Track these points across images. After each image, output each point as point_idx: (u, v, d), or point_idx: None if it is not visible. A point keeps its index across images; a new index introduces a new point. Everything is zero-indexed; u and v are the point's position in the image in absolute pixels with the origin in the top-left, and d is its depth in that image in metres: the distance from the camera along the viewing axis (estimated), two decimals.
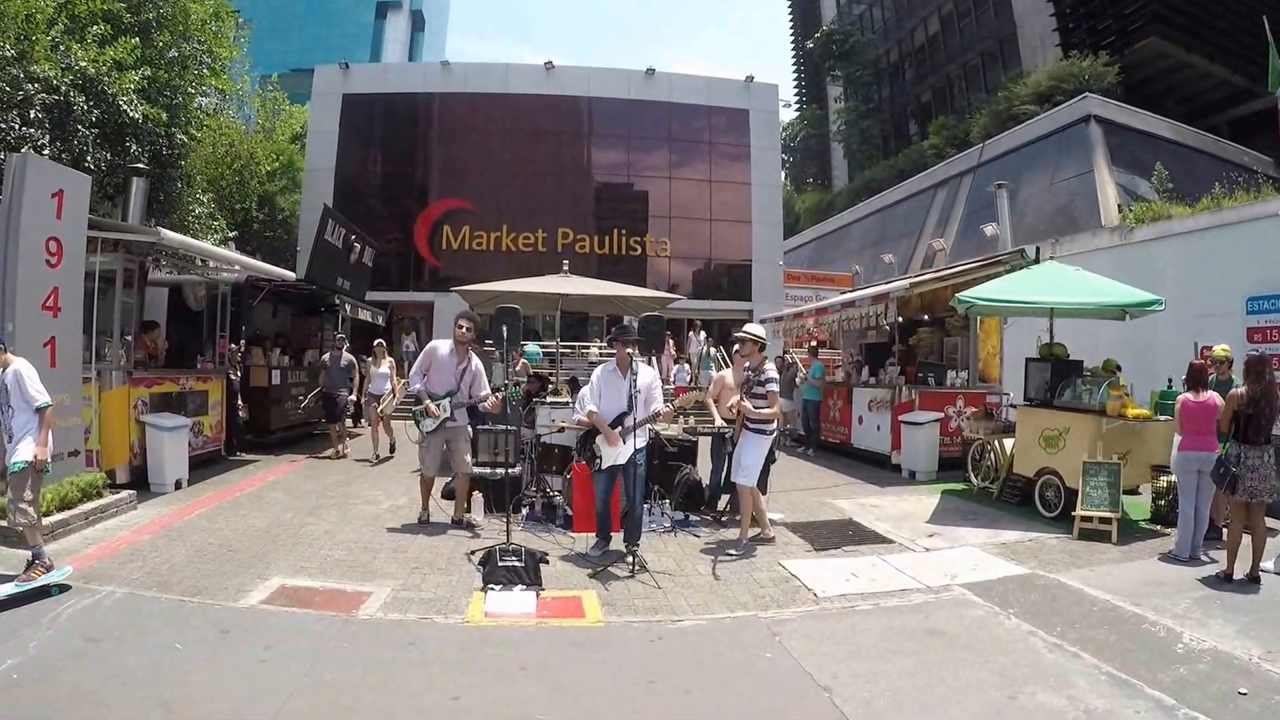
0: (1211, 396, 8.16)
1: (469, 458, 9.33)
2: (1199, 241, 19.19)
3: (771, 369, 8.79)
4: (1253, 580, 7.30)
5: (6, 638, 5.40)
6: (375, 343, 15.73)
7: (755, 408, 8.47)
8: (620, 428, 7.91)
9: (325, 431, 16.75)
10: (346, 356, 15.11)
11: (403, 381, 15.09)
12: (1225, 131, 35.97)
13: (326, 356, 15.52)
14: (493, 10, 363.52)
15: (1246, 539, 7.51)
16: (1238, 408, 7.57)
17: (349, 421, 16.36)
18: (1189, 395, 8.30)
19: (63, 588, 6.34)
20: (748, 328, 8.93)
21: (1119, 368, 11.39)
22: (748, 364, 8.90)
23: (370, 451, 14.76)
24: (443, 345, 9.20)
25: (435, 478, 9.44)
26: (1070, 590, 7.17)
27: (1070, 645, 5.75)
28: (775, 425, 8.83)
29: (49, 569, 6.35)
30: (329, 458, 14.72)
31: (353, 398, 15.30)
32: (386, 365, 15.15)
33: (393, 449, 14.93)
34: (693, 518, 9.72)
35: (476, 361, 9.29)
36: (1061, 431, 10.28)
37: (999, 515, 10.39)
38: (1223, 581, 7.35)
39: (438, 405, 8.92)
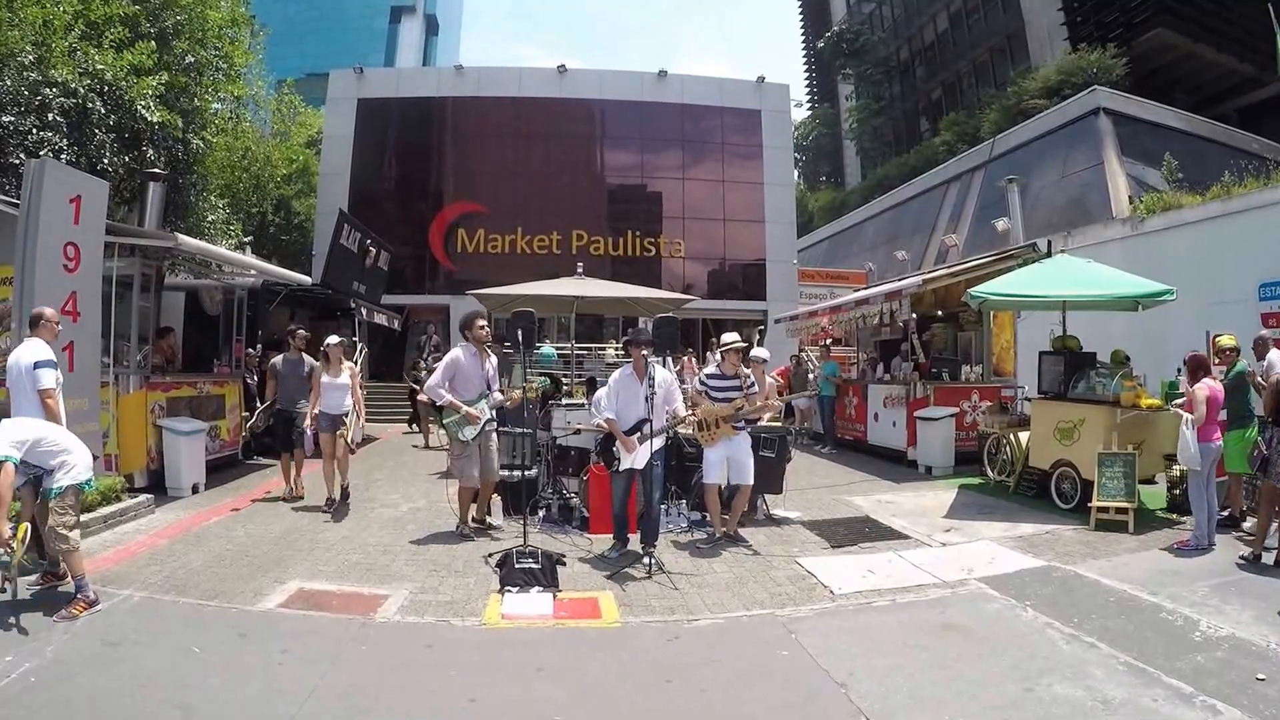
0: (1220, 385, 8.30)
1: (498, 464, 9.24)
2: (1210, 230, 19.08)
3: (751, 374, 8.99)
4: None
5: (24, 641, 5.44)
6: (330, 342, 10.74)
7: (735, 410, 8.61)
8: (638, 434, 7.93)
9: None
10: (309, 360, 11.37)
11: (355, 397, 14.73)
12: (1234, 119, 35.77)
13: (279, 359, 11.64)
14: (505, 14, 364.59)
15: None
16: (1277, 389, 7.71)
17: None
18: (1213, 384, 8.34)
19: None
20: (726, 338, 9.02)
21: (1128, 358, 11.34)
22: (710, 369, 9.01)
23: (322, 493, 10.71)
24: (463, 352, 8.98)
25: (475, 487, 9.09)
26: (1087, 581, 7.16)
27: (1087, 636, 5.74)
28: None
29: (92, 604, 6.05)
30: (276, 499, 11.07)
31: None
32: (347, 374, 10.71)
33: (346, 494, 10.70)
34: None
35: (494, 358, 9.25)
36: (1076, 423, 10.24)
37: (1016, 508, 10.37)
38: (1250, 563, 7.47)
39: (475, 409, 8.73)
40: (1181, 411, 8.55)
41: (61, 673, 5.02)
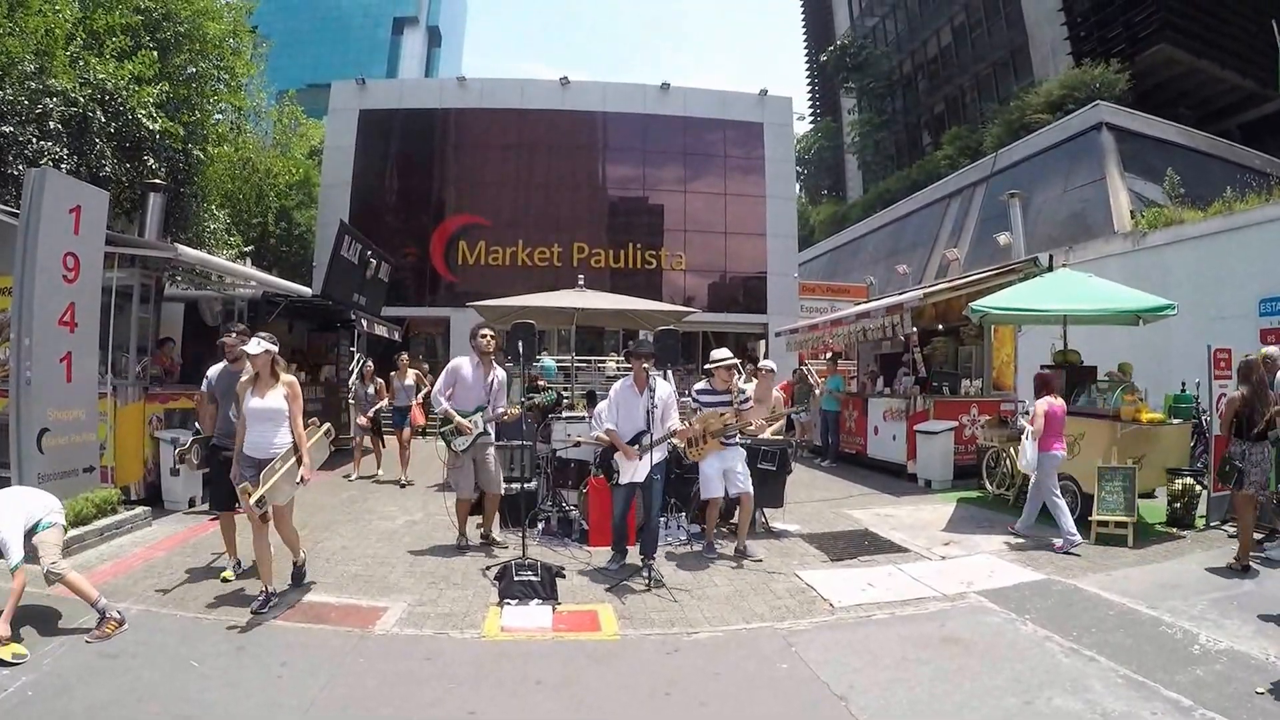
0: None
1: (500, 477, 9.02)
2: (1211, 245, 19.16)
3: (747, 389, 9.28)
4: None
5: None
6: (249, 349, 6.88)
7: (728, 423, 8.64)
8: (638, 445, 7.93)
9: (347, 447, 14.91)
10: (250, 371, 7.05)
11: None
12: (1236, 135, 35.95)
13: (214, 371, 8.12)
14: (508, 27, 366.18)
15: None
16: (1238, 408, 8.14)
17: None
18: (1053, 401, 9.18)
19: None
20: (717, 354, 9.00)
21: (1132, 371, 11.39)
22: (701, 384, 9.03)
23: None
24: (465, 362, 8.85)
25: (470, 499, 8.96)
26: (1086, 595, 7.16)
27: (1087, 649, 5.74)
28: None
29: (121, 623, 5.97)
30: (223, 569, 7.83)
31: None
32: (280, 395, 6.84)
33: (301, 571, 7.40)
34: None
35: (500, 372, 9.00)
36: (1076, 437, 10.21)
37: (1014, 522, 10.32)
38: (1241, 572, 7.70)
39: (469, 421, 8.57)
40: (1027, 425, 9.23)
41: (59, 686, 5.01)
